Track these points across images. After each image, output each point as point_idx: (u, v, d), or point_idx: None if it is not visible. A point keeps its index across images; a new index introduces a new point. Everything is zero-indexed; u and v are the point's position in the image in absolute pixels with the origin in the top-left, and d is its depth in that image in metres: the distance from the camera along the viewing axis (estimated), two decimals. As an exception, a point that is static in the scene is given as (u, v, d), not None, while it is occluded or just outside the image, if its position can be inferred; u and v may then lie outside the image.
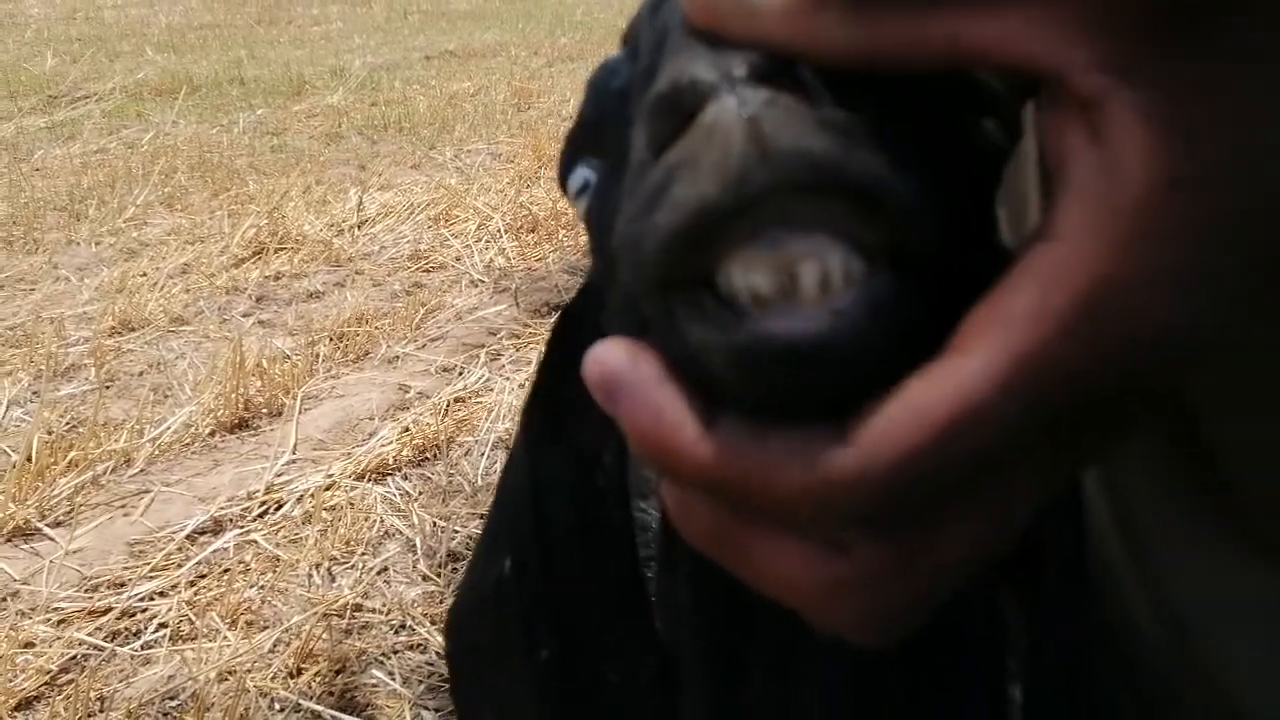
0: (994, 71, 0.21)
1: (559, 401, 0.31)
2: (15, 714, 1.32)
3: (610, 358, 0.21)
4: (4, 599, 1.54)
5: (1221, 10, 0.16)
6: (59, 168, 3.80)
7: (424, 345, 2.44)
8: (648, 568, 0.33)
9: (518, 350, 2.37)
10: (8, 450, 1.90)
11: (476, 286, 2.76)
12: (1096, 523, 0.37)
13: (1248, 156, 0.17)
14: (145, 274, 2.78)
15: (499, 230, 3.08)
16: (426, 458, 1.95)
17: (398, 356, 2.38)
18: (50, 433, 1.96)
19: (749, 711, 0.31)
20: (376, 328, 2.49)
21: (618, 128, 0.25)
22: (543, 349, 0.30)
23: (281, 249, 2.97)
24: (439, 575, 1.63)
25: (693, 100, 0.19)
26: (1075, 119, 0.17)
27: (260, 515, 1.77)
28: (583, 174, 0.27)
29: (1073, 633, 0.30)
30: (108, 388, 2.18)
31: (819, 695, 0.29)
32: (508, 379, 2.22)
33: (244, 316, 2.58)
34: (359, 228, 3.15)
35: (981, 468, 0.18)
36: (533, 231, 3.07)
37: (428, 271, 2.88)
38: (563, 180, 0.28)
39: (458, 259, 2.93)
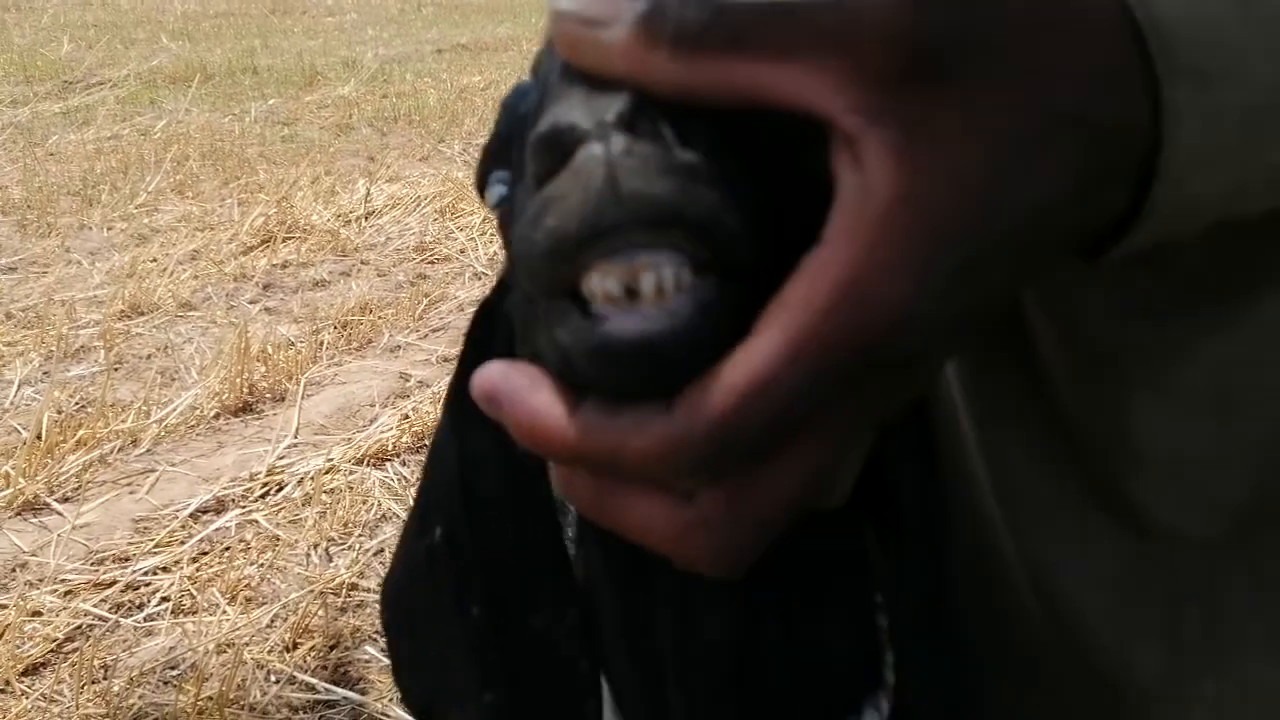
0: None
1: None
2: (23, 679, 1.38)
3: (490, 374, 0.27)
4: (13, 570, 1.60)
5: (942, 75, 0.22)
6: (73, 153, 3.86)
7: (426, 335, 2.50)
8: (566, 529, 0.38)
9: (516, 341, 2.41)
10: (19, 428, 1.96)
11: (480, 279, 2.82)
12: (976, 491, 0.42)
13: (961, 181, 0.23)
14: (155, 259, 2.84)
15: (503, 223, 3.12)
16: (425, 444, 2.00)
17: (400, 345, 2.43)
18: (60, 412, 2.02)
19: (660, 648, 0.36)
20: (380, 317, 2.55)
21: (523, 145, 0.30)
22: (463, 339, 0.35)
23: (289, 238, 3.02)
24: (431, 557, 1.69)
25: (568, 143, 0.24)
26: (843, 150, 0.23)
27: (261, 496, 1.82)
28: (497, 184, 0.32)
29: (932, 567, 0.35)
30: (116, 369, 2.24)
31: (716, 626, 0.34)
32: (505, 369, 2.27)
33: (251, 303, 2.64)
34: (366, 218, 3.20)
35: (784, 425, 0.24)
36: (536, 225, 3.11)
37: (432, 263, 2.93)
38: (480, 189, 0.33)
39: (462, 251, 2.98)
